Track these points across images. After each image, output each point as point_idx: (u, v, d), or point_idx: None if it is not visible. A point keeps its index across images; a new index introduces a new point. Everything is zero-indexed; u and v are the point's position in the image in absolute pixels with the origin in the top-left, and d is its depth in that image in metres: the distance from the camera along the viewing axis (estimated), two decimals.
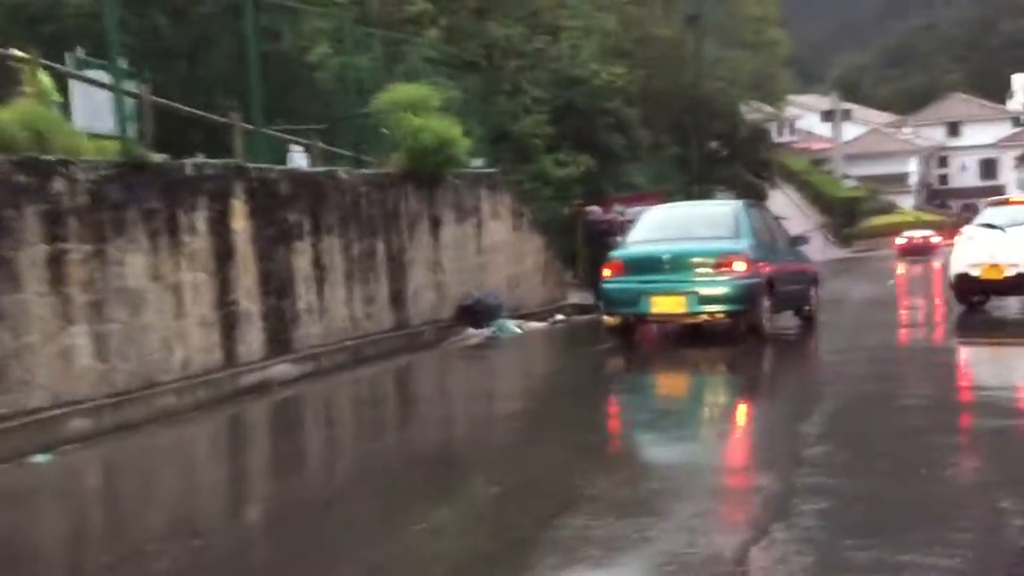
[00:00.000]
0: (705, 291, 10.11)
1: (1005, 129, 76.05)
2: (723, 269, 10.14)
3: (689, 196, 43.34)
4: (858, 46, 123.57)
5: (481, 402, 8.42)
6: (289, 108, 16.68)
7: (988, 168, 75.37)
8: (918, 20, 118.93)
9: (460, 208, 13.15)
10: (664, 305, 10.29)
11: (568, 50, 28.44)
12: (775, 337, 10.72)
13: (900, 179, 68.57)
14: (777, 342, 10.68)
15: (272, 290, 9.14)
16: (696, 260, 10.29)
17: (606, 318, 11.07)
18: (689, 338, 11.24)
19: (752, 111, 51.87)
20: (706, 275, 10.17)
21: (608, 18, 30.16)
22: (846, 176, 65.97)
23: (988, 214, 13.55)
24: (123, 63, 12.08)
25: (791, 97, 77.80)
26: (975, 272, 12.56)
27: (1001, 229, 12.41)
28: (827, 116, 68.87)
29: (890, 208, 63.87)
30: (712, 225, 10.97)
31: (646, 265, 10.50)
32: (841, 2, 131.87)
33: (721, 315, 10.30)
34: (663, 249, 10.52)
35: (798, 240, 13.10)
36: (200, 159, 8.84)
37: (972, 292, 12.99)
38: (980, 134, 75.52)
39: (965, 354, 10.19)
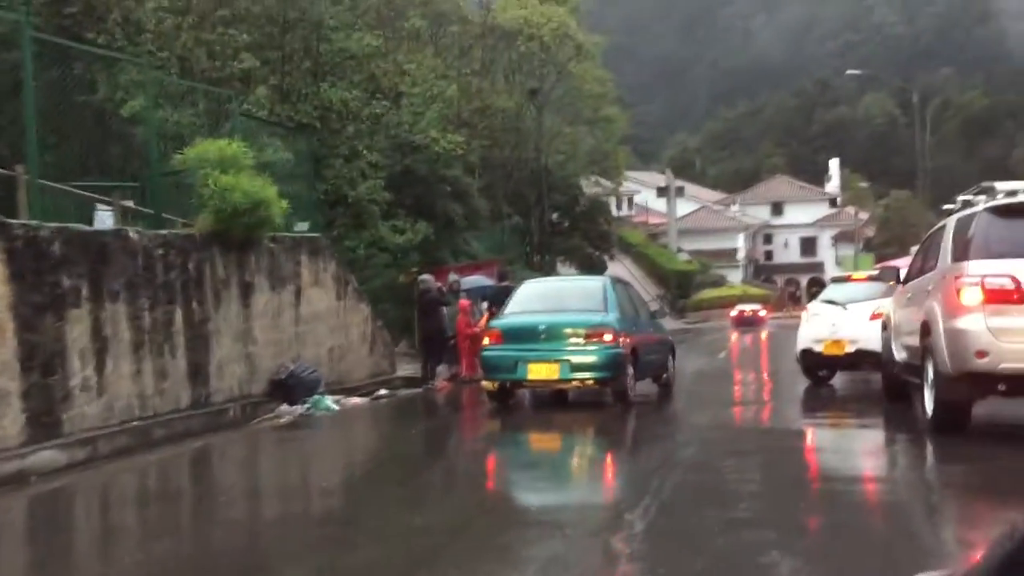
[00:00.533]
0: (577, 359, 10.92)
1: (823, 209, 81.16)
2: (593, 339, 10.98)
3: (529, 266, 43.70)
4: (690, 128, 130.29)
5: (279, 496, 7.44)
6: (104, 164, 15.37)
7: (808, 245, 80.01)
8: (744, 106, 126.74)
9: (276, 274, 12.18)
10: (539, 372, 11.00)
11: (409, 116, 28.04)
12: (638, 403, 11.43)
13: (729, 254, 71.69)
14: (640, 406, 11.42)
15: (36, 365, 7.90)
16: (568, 330, 11.09)
17: (484, 383, 11.85)
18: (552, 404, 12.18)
19: (592, 185, 53.14)
20: (577, 344, 10.99)
21: (448, 87, 30.02)
22: (680, 250, 68.40)
23: (831, 291, 13.92)
24: None
25: (629, 173, 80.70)
26: (818, 348, 12.83)
27: (842, 306, 12.66)
28: (662, 192, 71.43)
29: (721, 281, 66.49)
30: (582, 298, 11.89)
31: (522, 334, 11.21)
32: (676, 86, 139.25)
33: (591, 382, 11.13)
34: (538, 320, 11.34)
35: (655, 313, 13.94)
36: None
37: (817, 367, 13.26)
38: (801, 214, 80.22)
39: (809, 435, 9.88)
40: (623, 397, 11.16)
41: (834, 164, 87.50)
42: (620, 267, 60.77)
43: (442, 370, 15.70)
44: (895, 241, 71.81)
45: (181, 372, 10.06)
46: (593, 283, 13.46)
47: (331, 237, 23.04)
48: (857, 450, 8.71)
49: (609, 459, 8.78)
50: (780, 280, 77.97)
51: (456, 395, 14.58)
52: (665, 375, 13.09)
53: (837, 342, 12.49)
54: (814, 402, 12.30)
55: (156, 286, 9.67)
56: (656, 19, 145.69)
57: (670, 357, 13.30)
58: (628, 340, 11.21)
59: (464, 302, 16.54)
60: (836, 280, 14.25)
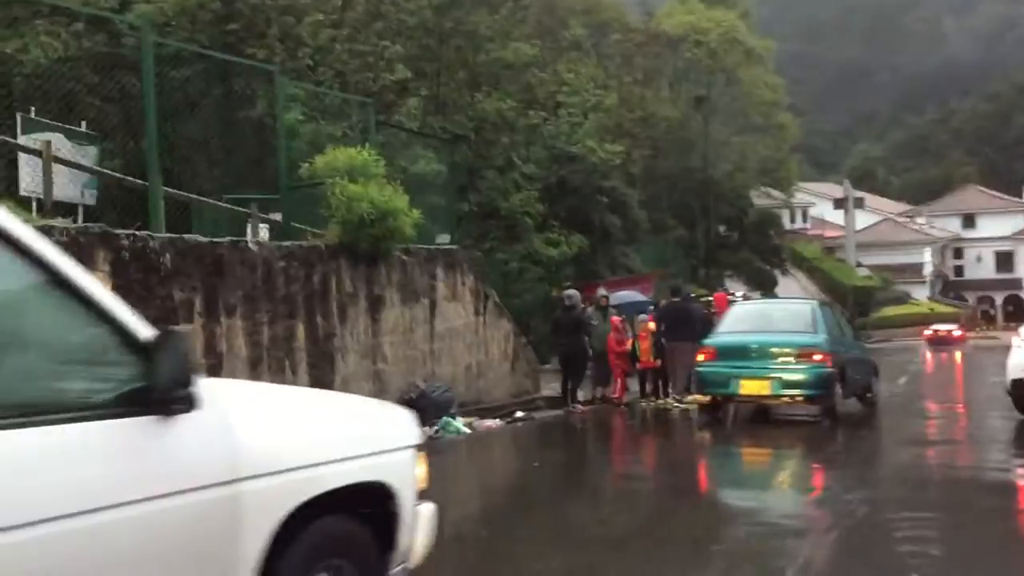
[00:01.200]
0: (788, 377, 11.48)
1: (1021, 222, 74.71)
2: (803, 359, 11.54)
3: (695, 280, 42.08)
4: (873, 137, 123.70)
5: None
6: (263, 177, 15.47)
7: (1004, 260, 73.80)
8: (932, 113, 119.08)
9: (408, 288, 11.64)
10: (751, 388, 11.72)
11: (566, 127, 27.35)
12: (845, 418, 11.88)
13: (914, 269, 67.05)
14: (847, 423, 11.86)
15: None
16: (779, 350, 11.73)
17: (698, 396, 12.75)
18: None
19: (762, 196, 50.87)
20: (788, 363, 11.57)
21: (608, 95, 29.11)
22: (859, 264, 64.53)
23: None
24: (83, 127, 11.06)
25: (805, 185, 77.14)
26: None
27: None
28: (839, 204, 67.70)
29: (904, 298, 62.23)
30: (791, 320, 12.62)
31: (736, 352, 11.94)
32: (857, 94, 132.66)
33: (800, 398, 11.66)
34: (751, 339, 12.11)
35: (859, 335, 13.27)
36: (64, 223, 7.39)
37: None
38: (995, 226, 74.17)
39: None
40: (831, 414, 11.55)
41: None
42: (792, 282, 57.87)
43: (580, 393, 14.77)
44: None
45: None
46: (802, 306, 14.01)
47: (483, 250, 22.69)
48: None
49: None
50: (971, 298, 72.25)
51: (601, 418, 13.63)
52: (869, 394, 13.45)
53: None
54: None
55: (277, 300, 9.27)
56: (837, 24, 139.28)
57: (874, 377, 13.70)
58: (836, 359, 11.68)
59: (615, 319, 15.57)
60: None
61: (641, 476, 9.23)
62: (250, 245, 8.99)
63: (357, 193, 10.11)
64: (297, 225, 11.38)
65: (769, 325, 12.70)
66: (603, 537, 6.01)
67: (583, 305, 14.92)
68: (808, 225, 77.92)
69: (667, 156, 40.51)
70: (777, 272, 48.84)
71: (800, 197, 73.11)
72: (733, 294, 33.24)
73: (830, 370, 11.47)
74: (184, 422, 2.51)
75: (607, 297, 15.80)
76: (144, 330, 2.49)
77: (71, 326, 2.41)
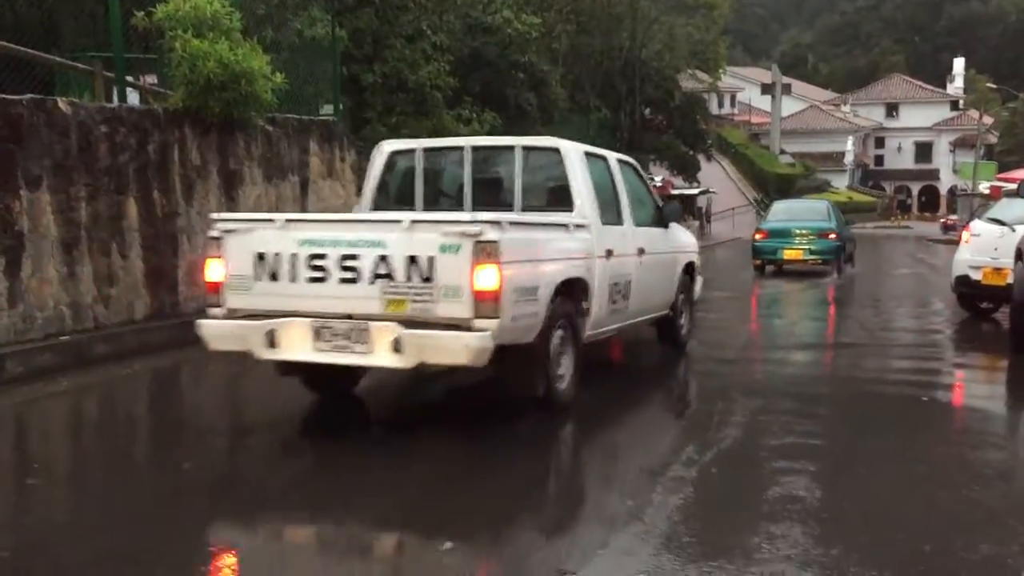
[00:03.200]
0: (814, 247, 19.63)
1: (943, 113, 75.22)
2: (822, 237, 19.70)
3: None
4: (804, 23, 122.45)
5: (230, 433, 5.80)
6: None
7: (923, 151, 74.56)
8: (864, 1, 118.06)
9: (274, 163, 10.37)
10: (791, 255, 19.72)
11: None
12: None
13: (836, 158, 67.21)
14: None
15: None
16: (809, 231, 19.74)
17: (754, 260, 20.35)
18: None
19: (689, 79, 49.66)
20: (813, 239, 19.60)
21: None
22: (783, 152, 64.36)
23: (1000, 207, 11.37)
24: None
25: (734, 69, 76.03)
26: (976, 276, 10.68)
27: (1009, 227, 10.13)
28: (767, 89, 66.92)
29: (825, 186, 62.49)
30: (814, 213, 20.95)
31: (780, 233, 19.89)
32: None
33: (821, 261, 19.74)
34: (791, 225, 20.00)
35: (849, 223, 22.43)
36: None
37: (975, 298, 11.21)
38: (918, 116, 74.55)
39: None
40: (838, 268, 19.70)
41: (958, 63, 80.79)
42: (717, 168, 57.45)
43: None
44: (1020, 149, 66.13)
45: (136, 276, 8.42)
46: (820, 204, 23.00)
47: (389, 124, 21.22)
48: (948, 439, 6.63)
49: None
50: (889, 187, 73.09)
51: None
52: (852, 255, 21.88)
53: (998, 271, 10.09)
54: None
55: (98, 171, 7.94)
56: None
57: (854, 248, 22.29)
58: (840, 237, 20.13)
59: None
60: (1010, 194, 11.31)
61: None
62: (60, 105, 7.58)
63: (202, 50, 8.70)
64: (157, 89, 9.95)
65: (800, 215, 20.72)
66: None
67: None
68: (735, 111, 77.26)
69: (593, 33, 38.81)
70: (702, 158, 48.19)
71: (728, 82, 72.03)
72: (651, 177, 32.44)
73: (838, 243, 19.85)
74: (666, 231, 8.15)
75: None
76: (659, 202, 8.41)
77: (650, 200, 8.12)
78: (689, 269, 8.67)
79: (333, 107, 13.08)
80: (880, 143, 76.13)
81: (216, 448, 5.58)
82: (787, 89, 67.05)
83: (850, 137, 68.82)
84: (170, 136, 8.77)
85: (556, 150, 6.64)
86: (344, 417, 6.14)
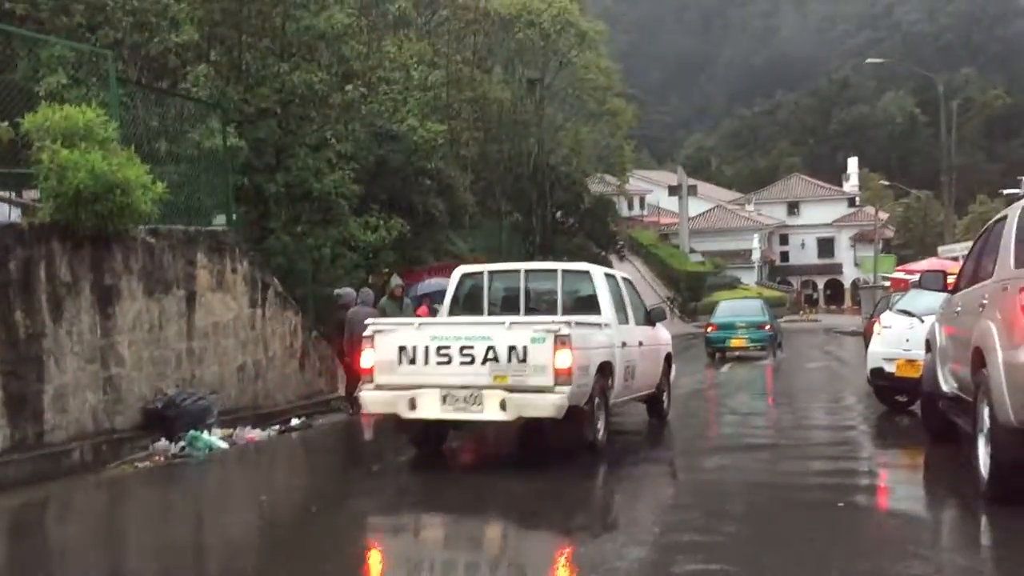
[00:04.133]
0: (753, 337, 23.83)
1: (842, 209, 78.27)
2: (760, 328, 24.03)
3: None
4: (707, 128, 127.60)
5: None
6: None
7: (826, 246, 77.16)
8: (761, 105, 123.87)
9: (156, 277, 9.77)
10: (736, 343, 23.67)
11: (389, 103, 25.62)
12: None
13: (744, 255, 68.98)
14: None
15: None
16: (749, 324, 24.05)
17: (707, 349, 24.50)
18: None
19: (598, 182, 50.69)
20: (754, 331, 23.88)
21: (430, 73, 27.49)
22: (692, 251, 65.77)
23: (908, 298, 11.32)
24: None
25: (642, 173, 78.23)
26: (890, 368, 10.60)
27: (918, 318, 10.03)
28: (674, 191, 68.77)
29: (734, 283, 63.84)
30: (752, 310, 26.04)
31: (727, 327, 24.07)
32: (694, 87, 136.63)
33: (760, 347, 23.87)
34: (735, 319, 24.37)
35: (777, 315, 26.92)
36: None
37: (891, 391, 11.13)
38: (818, 213, 77.38)
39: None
40: (774, 353, 23.99)
41: (852, 163, 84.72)
42: (630, 267, 58.21)
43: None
44: (915, 242, 69.02)
45: None
46: (756, 302, 28.44)
47: (294, 234, 20.72)
48: (887, 526, 6.21)
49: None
50: (796, 282, 75.15)
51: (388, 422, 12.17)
52: (781, 342, 25.81)
53: (912, 362, 9.91)
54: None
55: None
56: (672, 18, 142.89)
57: (782, 334, 27.01)
58: (773, 328, 24.54)
59: (423, 309, 14.13)
60: (917, 285, 11.14)
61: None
62: None
63: (71, 161, 8.17)
64: (38, 204, 9.33)
65: (741, 312, 25.49)
66: None
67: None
68: (645, 212, 79.13)
69: (501, 140, 39.39)
70: (614, 258, 48.81)
71: (637, 185, 74.03)
72: None
73: (771, 333, 24.16)
74: (654, 328, 10.65)
75: (402, 287, 14.30)
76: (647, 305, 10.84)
77: (642, 305, 10.54)
78: (668, 358, 11.19)
79: (226, 217, 12.58)
80: (784, 240, 78.58)
81: None
82: (693, 190, 69.04)
83: (756, 235, 70.88)
84: (36, 252, 8.14)
85: (587, 272, 9.85)
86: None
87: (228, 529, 6.62)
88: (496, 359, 7.67)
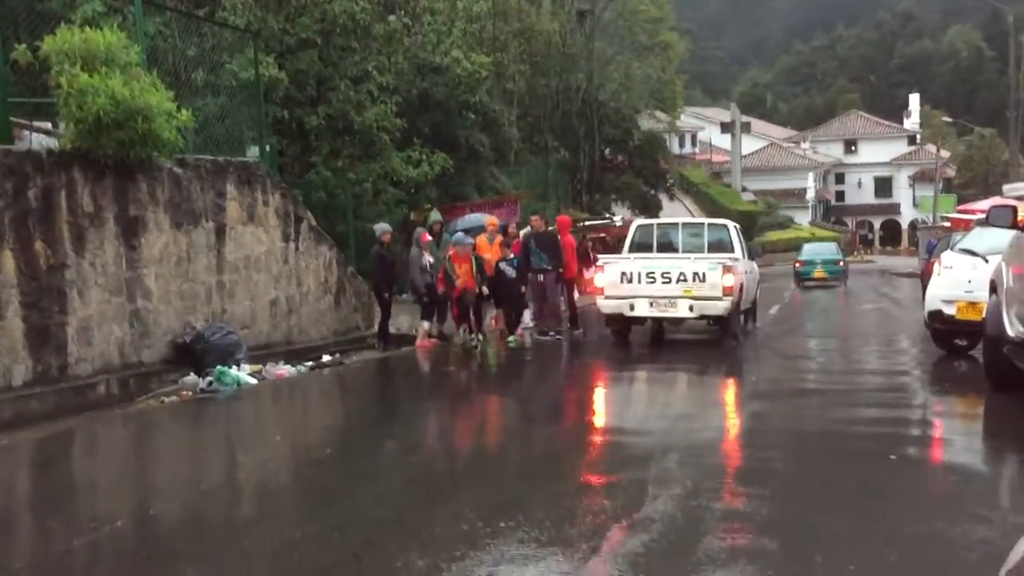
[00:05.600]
0: (829, 270, 31.25)
1: (901, 148, 75.86)
2: (835, 264, 31.98)
3: (577, 204, 40.57)
4: (763, 64, 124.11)
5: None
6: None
7: (883, 186, 75.03)
8: (821, 40, 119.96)
9: (183, 208, 9.51)
10: (818, 274, 30.91)
11: (432, 36, 24.93)
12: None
13: (797, 194, 67.36)
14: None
15: None
16: (826, 261, 32.03)
17: (795, 279, 30.33)
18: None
19: (649, 119, 49.53)
20: (830, 266, 31.57)
21: (477, 2, 26.66)
22: (744, 189, 64.39)
23: (972, 237, 10.69)
24: None
25: (694, 109, 76.44)
26: (950, 311, 9.98)
27: (982, 258, 9.43)
28: (726, 128, 67.13)
29: (787, 223, 62.48)
30: (829, 250, 33.97)
31: (810, 262, 31.70)
32: (748, 21, 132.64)
33: (835, 277, 30.98)
34: (815, 257, 32.66)
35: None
36: None
37: (950, 334, 10.48)
38: (876, 152, 75.12)
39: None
40: (844, 283, 30.64)
41: (914, 99, 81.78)
42: (679, 207, 57.22)
43: (428, 327, 12.99)
44: (978, 181, 66.65)
45: (14, 337, 7.49)
46: (831, 244, 35.49)
47: (335, 168, 20.42)
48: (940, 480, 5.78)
49: None
50: (851, 222, 73.36)
51: (417, 359, 11.83)
52: (847, 276, 31.96)
53: (973, 304, 9.39)
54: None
55: None
56: None
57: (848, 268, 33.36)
58: (844, 264, 32.15)
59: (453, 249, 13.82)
60: (981, 223, 10.45)
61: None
62: None
63: (91, 85, 7.86)
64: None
65: (820, 252, 32.99)
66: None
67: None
68: (696, 150, 77.53)
69: (548, 74, 38.45)
70: (664, 196, 47.85)
71: (689, 122, 72.36)
72: (611, 216, 31.91)
73: (843, 268, 32.16)
74: (752, 262, 14.59)
75: (441, 223, 13.98)
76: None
77: (746, 246, 14.64)
78: (758, 284, 15.22)
79: (259, 149, 12.26)
80: (840, 179, 76.57)
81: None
82: (747, 127, 67.33)
83: (810, 174, 69.09)
84: (56, 180, 7.90)
85: (724, 225, 14.51)
86: None
87: (243, 466, 6.40)
88: (685, 280, 12.02)
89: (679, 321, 12.80)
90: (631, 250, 13.52)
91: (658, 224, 14.72)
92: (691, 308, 12.00)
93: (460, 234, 13.30)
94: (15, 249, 7.49)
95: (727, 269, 11.90)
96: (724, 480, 5.44)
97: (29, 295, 7.61)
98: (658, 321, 12.94)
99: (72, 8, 14.07)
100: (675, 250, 13.44)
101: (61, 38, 8.16)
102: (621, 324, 12.64)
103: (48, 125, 9.56)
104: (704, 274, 11.93)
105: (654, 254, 13.14)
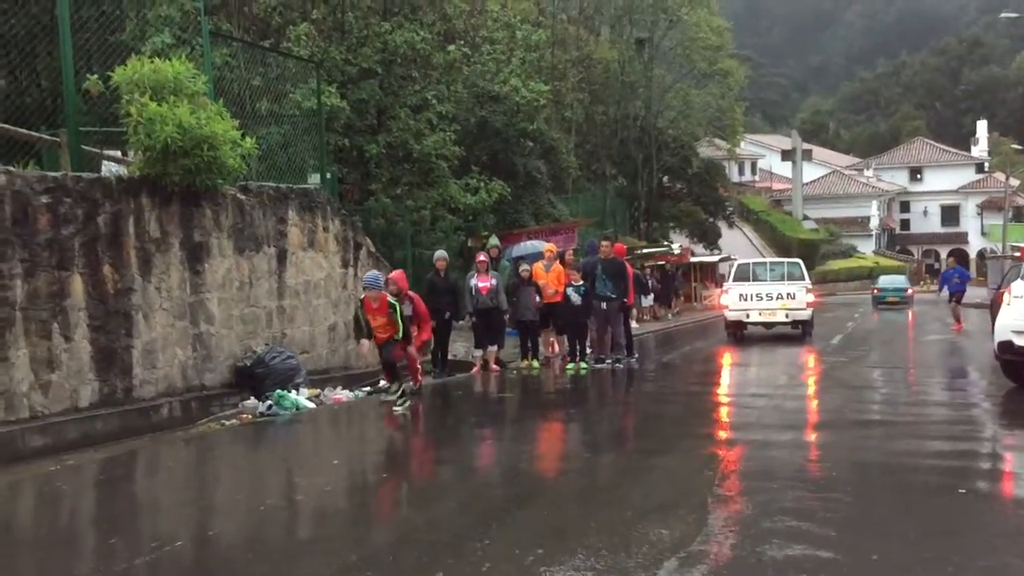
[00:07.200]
0: (899, 297, 38.68)
1: (968, 175, 74.16)
2: (903, 292, 39.36)
3: (635, 232, 40.40)
4: (825, 91, 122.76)
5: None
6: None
7: (950, 214, 73.36)
8: (884, 67, 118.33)
9: (246, 234, 9.70)
10: (891, 300, 38.31)
11: (491, 65, 25.18)
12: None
13: (861, 222, 66.22)
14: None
15: None
16: (898, 288, 39.97)
17: (874, 303, 38.65)
18: None
19: (708, 147, 49.24)
20: (900, 293, 39.05)
21: (534, 32, 26.92)
22: (806, 218, 63.51)
23: None
24: None
25: (754, 137, 75.86)
26: (1021, 341, 9.68)
27: None
28: (787, 156, 66.41)
29: (850, 251, 61.41)
30: (900, 280, 42.15)
31: (885, 289, 39.61)
32: (811, 48, 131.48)
33: (904, 303, 37.90)
34: (889, 285, 40.16)
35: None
36: None
37: (1020, 367, 10.13)
38: (943, 180, 73.54)
39: None
40: (911, 307, 36.04)
41: (982, 126, 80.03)
42: (739, 235, 56.69)
43: (482, 354, 13.01)
44: None
45: (82, 359, 7.69)
46: (901, 276, 43.33)
47: (393, 196, 20.66)
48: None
49: None
50: (916, 251, 71.81)
51: (473, 387, 11.82)
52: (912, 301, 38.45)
53: None
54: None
55: (37, 246, 7.28)
56: None
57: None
58: (912, 292, 40.01)
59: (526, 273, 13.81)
60: None
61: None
62: None
63: (159, 114, 8.09)
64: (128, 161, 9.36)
65: (892, 282, 40.71)
66: None
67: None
68: (756, 177, 76.82)
69: (606, 102, 38.54)
70: (723, 224, 47.45)
71: (749, 149, 71.83)
72: (669, 244, 31.71)
73: (910, 296, 39.26)
74: (808, 283, 20.73)
75: (499, 247, 13.99)
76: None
77: (806, 272, 21.70)
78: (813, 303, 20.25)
79: (320, 176, 12.47)
80: (905, 207, 75.10)
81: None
82: (808, 155, 66.53)
83: (874, 201, 67.92)
84: (124, 206, 8.12)
85: (797, 262, 20.82)
86: None
87: (301, 489, 6.45)
88: (783, 298, 18.88)
89: (772, 325, 19.37)
90: (734, 279, 20.30)
91: (752, 262, 21.54)
92: (786, 315, 18.93)
93: (372, 273, 9.60)
94: (84, 273, 7.70)
95: (808, 290, 19.19)
96: (788, 504, 5.32)
97: (97, 318, 7.81)
98: (744, 325, 19.55)
99: (142, 40, 14.57)
100: (764, 279, 19.77)
101: (131, 68, 8.42)
102: (738, 328, 19.57)
103: (118, 153, 9.86)
104: (794, 293, 19.00)
105: (751, 282, 19.64)
